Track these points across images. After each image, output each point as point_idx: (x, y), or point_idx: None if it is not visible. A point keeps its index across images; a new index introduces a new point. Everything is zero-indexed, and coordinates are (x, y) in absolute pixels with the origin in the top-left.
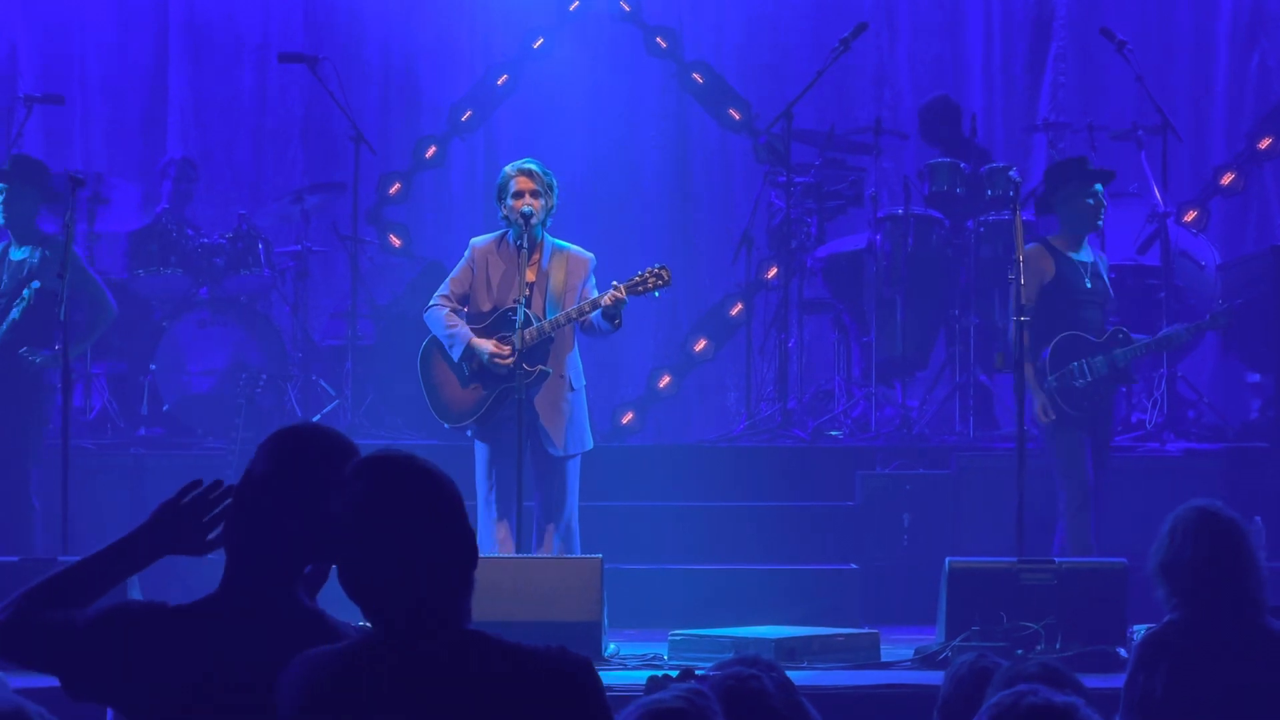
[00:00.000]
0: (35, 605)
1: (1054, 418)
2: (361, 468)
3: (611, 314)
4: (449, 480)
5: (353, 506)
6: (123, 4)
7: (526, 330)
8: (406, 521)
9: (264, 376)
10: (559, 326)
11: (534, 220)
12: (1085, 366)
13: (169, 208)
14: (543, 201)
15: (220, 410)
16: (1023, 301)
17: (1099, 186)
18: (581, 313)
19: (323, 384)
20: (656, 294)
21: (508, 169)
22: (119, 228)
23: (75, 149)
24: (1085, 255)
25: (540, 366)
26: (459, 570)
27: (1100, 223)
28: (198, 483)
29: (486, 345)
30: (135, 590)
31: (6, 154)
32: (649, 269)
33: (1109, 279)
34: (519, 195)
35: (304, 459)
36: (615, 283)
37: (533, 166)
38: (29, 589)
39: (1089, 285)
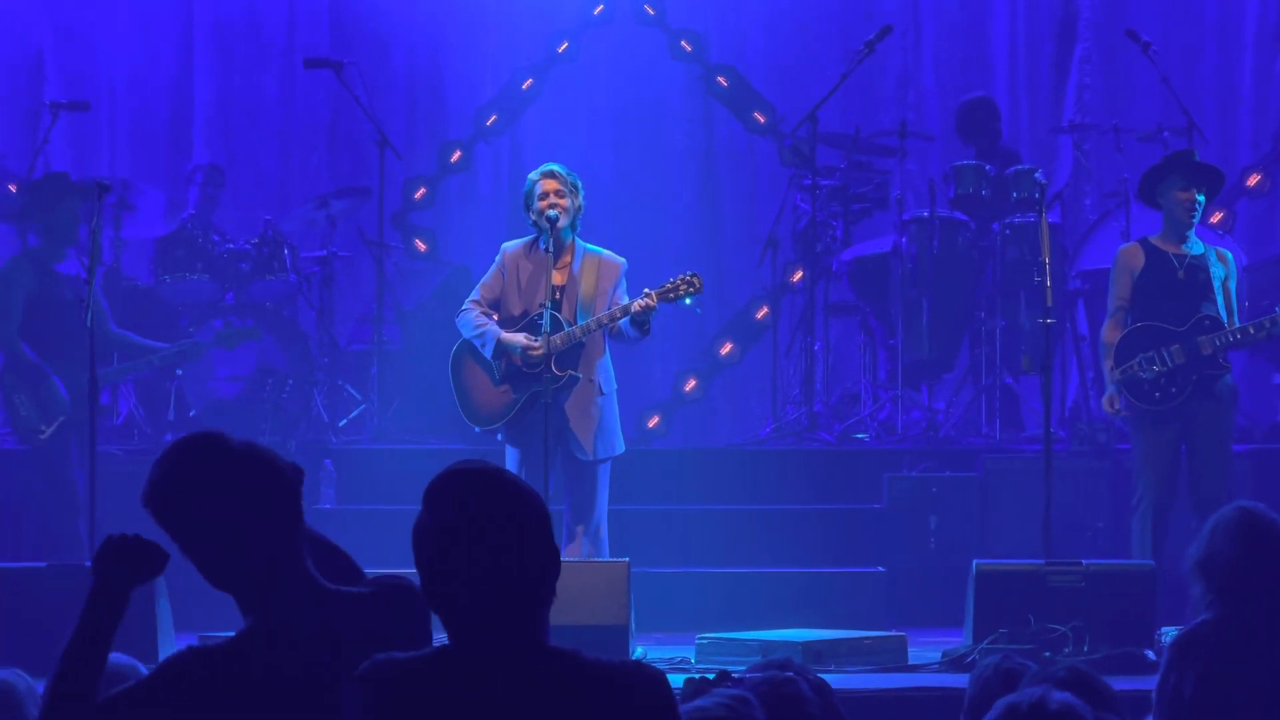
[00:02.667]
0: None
1: (1119, 409)
2: (449, 479)
3: (641, 320)
4: (536, 495)
5: (439, 518)
6: (148, 9)
7: (556, 335)
8: (494, 536)
9: (290, 381)
10: (589, 332)
11: (560, 223)
12: (1157, 356)
13: (195, 213)
14: (568, 202)
15: (247, 415)
16: (1116, 300)
17: (1190, 182)
18: (612, 318)
19: (349, 389)
20: (689, 301)
21: (532, 175)
22: (145, 234)
23: (101, 155)
24: (1191, 249)
25: (570, 371)
26: (543, 587)
27: (1193, 219)
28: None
29: (518, 339)
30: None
31: (33, 160)
32: (681, 276)
33: (1238, 276)
34: (544, 197)
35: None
36: (646, 289)
37: (555, 169)
38: (50, 705)
39: (1181, 276)
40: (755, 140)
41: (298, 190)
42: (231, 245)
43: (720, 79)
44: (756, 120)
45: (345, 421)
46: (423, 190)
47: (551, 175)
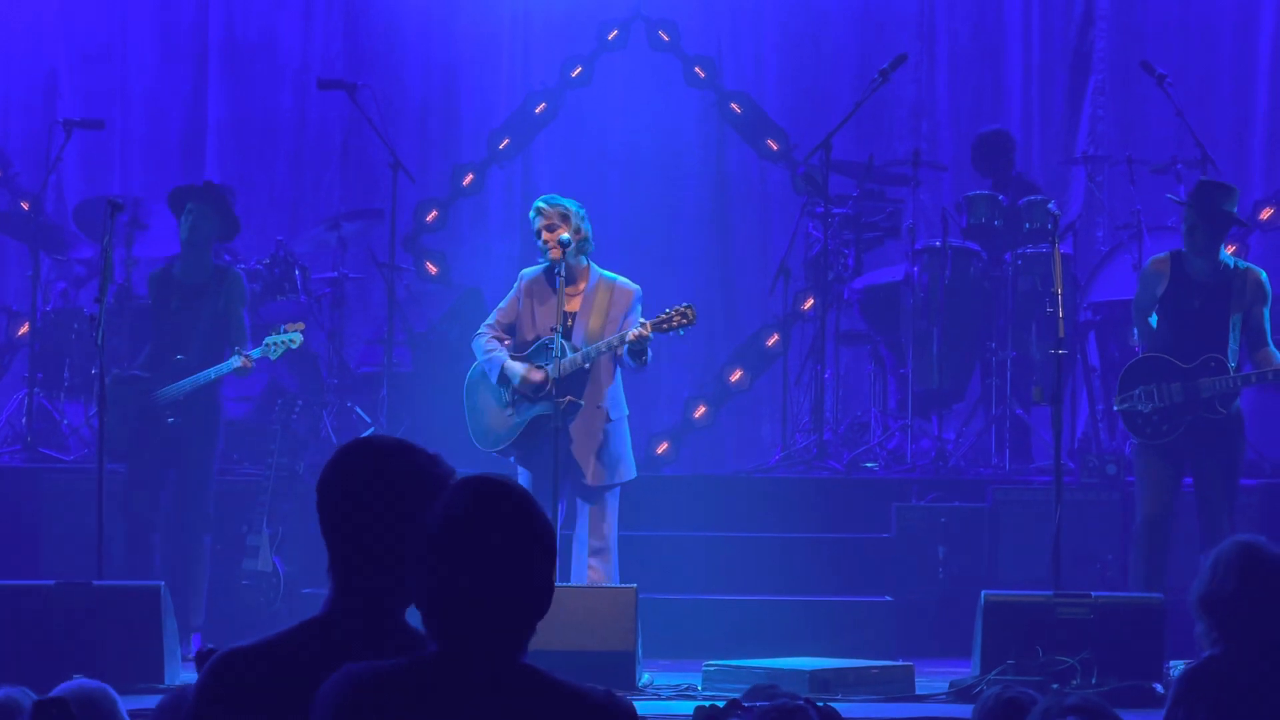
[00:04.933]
0: None
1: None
2: (464, 488)
3: (637, 350)
4: (547, 519)
5: (448, 524)
6: (163, 27)
7: (562, 361)
8: (498, 551)
9: (300, 403)
10: (589, 359)
11: (557, 256)
12: (1156, 392)
13: None
14: (566, 229)
15: (256, 436)
16: (1143, 310)
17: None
18: (610, 346)
19: (358, 411)
20: (681, 333)
21: (531, 212)
22: (157, 253)
23: (114, 173)
24: (1216, 270)
25: (569, 398)
26: (534, 611)
27: (1201, 245)
28: None
29: (518, 368)
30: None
31: (45, 178)
32: (675, 308)
33: (1272, 296)
34: (538, 234)
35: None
36: (641, 319)
37: (541, 203)
38: None
39: (1197, 306)
40: (768, 167)
41: (310, 211)
42: (243, 265)
43: (734, 105)
44: (769, 147)
45: None
46: (435, 213)
47: (538, 212)
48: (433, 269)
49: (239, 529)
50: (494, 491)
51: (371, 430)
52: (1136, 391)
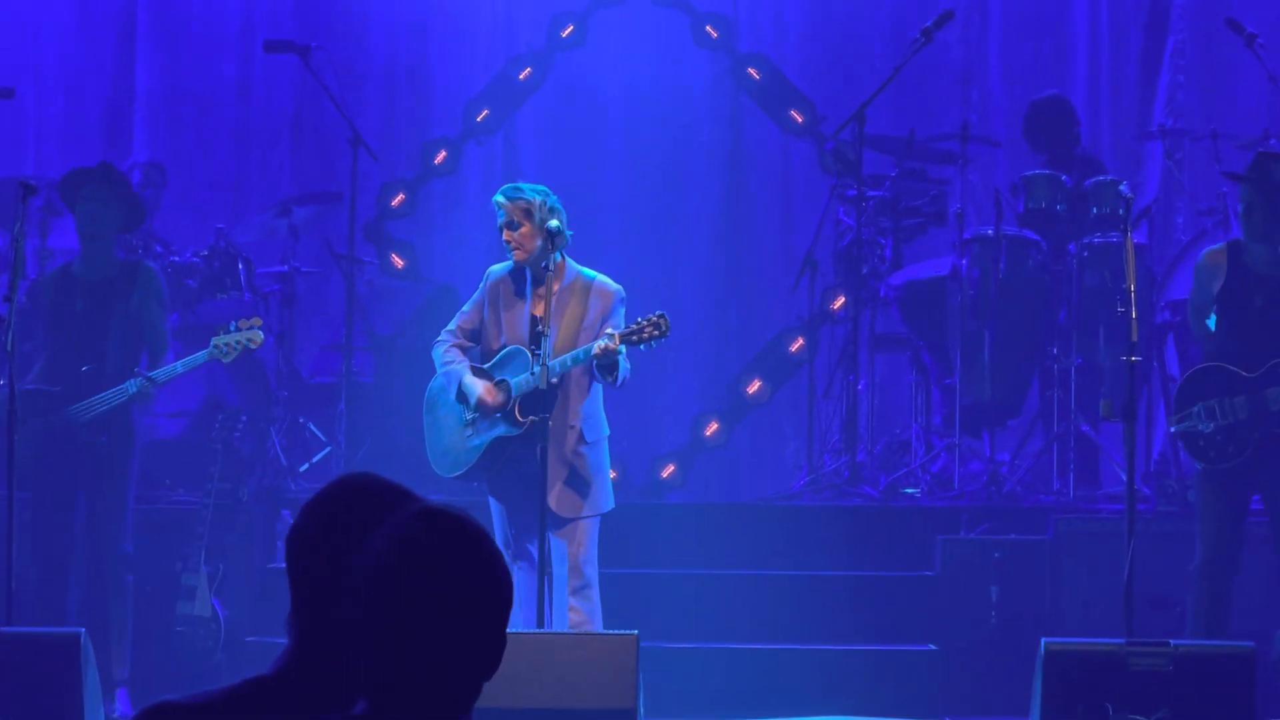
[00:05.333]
0: None
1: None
2: (414, 519)
3: (606, 365)
4: (503, 561)
5: (390, 560)
6: None
7: (522, 379)
8: (446, 594)
9: (244, 419)
10: (555, 375)
11: (522, 258)
12: (1217, 408)
13: None
14: (530, 226)
15: (192, 458)
16: (1200, 312)
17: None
18: (576, 360)
19: (312, 428)
20: (653, 345)
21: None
22: (76, 243)
23: (26, 151)
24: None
25: (532, 418)
26: (481, 667)
27: (1260, 228)
28: None
29: (476, 386)
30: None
31: None
32: (647, 317)
33: None
34: (501, 230)
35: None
36: (609, 329)
37: (499, 196)
38: None
39: (1259, 304)
40: (792, 142)
41: (255, 195)
42: (176, 258)
43: (752, 70)
44: (793, 119)
45: (307, 466)
46: (401, 196)
47: (498, 206)
48: (399, 262)
49: (172, 566)
50: (446, 526)
51: (329, 451)
52: (1195, 409)
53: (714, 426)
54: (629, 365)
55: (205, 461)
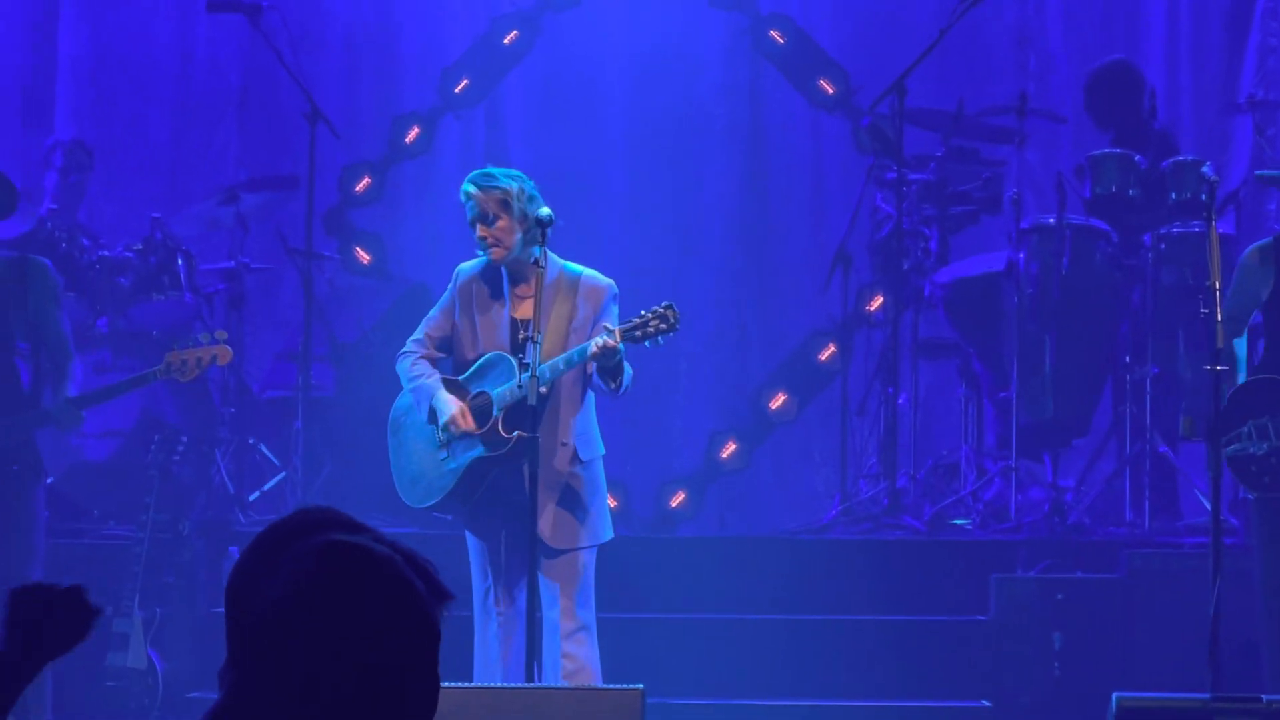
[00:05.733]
0: None
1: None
2: (331, 549)
3: (608, 368)
4: (420, 592)
5: (300, 594)
6: None
7: (502, 391)
8: (367, 633)
9: (184, 439)
10: (544, 383)
11: (498, 256)
12: (1270, 426)
13: (55, 209)
14: (508, 219)
15: (126, 485)
16: (1238, 319)
17: None
18: (570, 364)
19: (263, 450)
20: (659, 342)
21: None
22: None
23: None
24: None
25: (518, 433)
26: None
27: None
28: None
29: (449, 406)
30: None
31: None
32: (652, 309)
33: None
34: (472, 225)
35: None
36: (606, 325)
37: (468, 186)
38: None
39: None
40: (821, 117)
41: (197, 179)
42: (105, 252)
43: (775, 34)
44: (823, 90)
45: (258, 495)
46: (367, 180)
47: (468, 196)
48: (364, 257)
49: (102, 611)
50: (366, 555)
51: (283, 477)
52: (1245, 429)
53: (732, 448)
54: (631, 370)
55: (140, 489)
